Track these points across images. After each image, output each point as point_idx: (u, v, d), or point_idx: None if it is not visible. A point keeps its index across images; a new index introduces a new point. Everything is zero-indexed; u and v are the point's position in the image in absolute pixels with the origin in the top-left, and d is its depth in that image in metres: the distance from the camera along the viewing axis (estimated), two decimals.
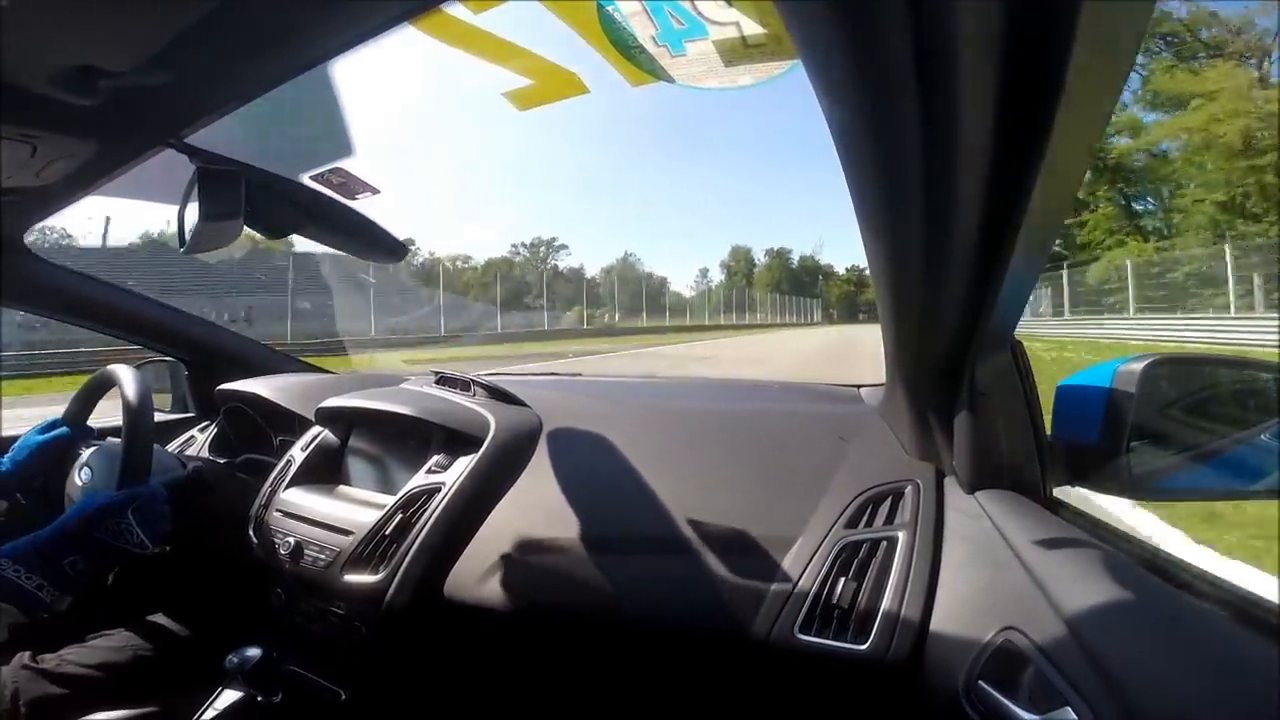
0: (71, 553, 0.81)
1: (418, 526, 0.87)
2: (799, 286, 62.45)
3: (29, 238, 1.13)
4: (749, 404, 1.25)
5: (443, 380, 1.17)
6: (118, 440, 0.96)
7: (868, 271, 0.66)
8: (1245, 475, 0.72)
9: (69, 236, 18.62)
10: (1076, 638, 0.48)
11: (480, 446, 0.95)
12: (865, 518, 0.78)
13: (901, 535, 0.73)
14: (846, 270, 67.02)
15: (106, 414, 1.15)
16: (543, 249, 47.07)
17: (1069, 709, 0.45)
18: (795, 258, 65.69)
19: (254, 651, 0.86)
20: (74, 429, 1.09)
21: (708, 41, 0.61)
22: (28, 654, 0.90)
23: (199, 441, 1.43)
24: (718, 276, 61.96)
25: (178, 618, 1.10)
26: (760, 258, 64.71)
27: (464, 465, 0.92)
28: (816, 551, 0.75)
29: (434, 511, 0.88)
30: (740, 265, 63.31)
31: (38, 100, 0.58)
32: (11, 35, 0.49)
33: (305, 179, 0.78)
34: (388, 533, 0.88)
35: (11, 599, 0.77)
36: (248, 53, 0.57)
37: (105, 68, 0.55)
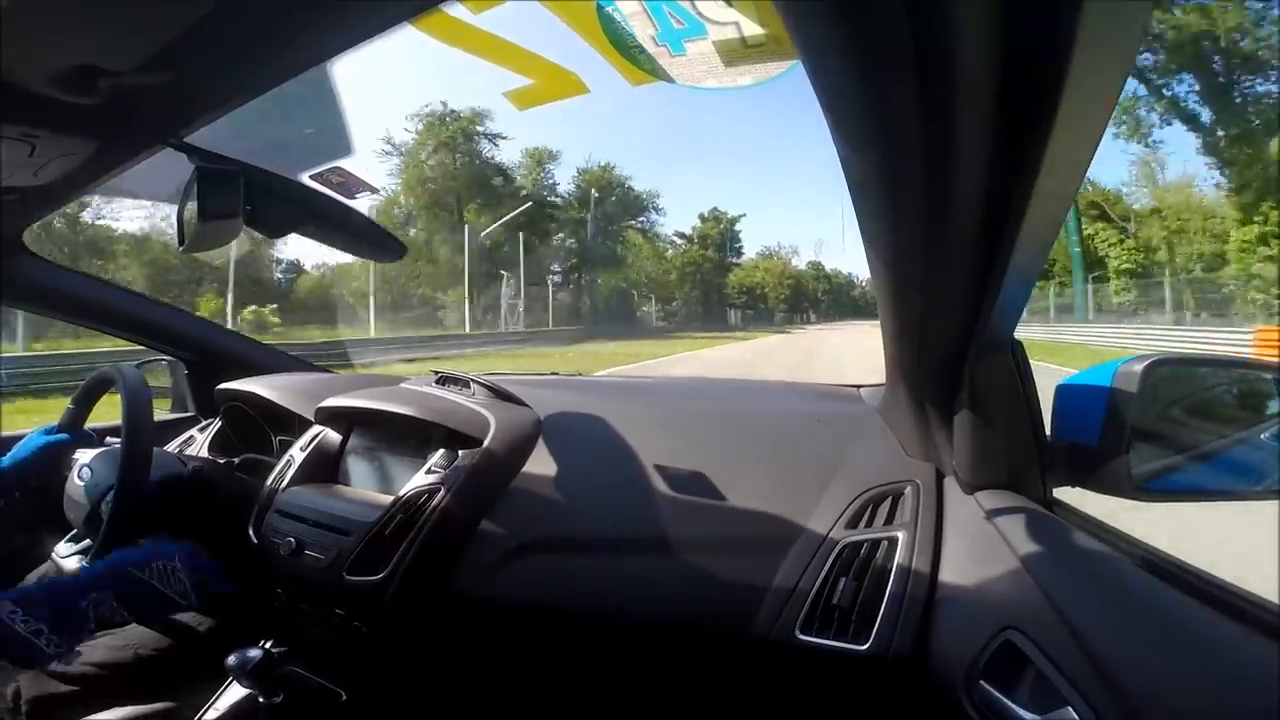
0: (97, 589, 0.72)
1: (418, 527, 0.87)
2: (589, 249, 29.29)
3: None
4: (749, 404, 1.25)
5: (443, 380, 1.17)
6: (118, 440, 0.96)
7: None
8: (1246, 475, 0.72)
9: None
10: (1077, 637, 0.48)
11: (480, 446, 0.94)
12: (865, 518, 0.78)
13: (901, 535, 0.73)
14: (702, 221, 34.14)
15: (108, 416, 1.15)
16: None
17: (1070, 709, 0.45)
18: (561, 169, 30.44)
19: (255, 652, 0.86)
20: (72, 432, 1.09)
21: (707, 41, 0.61)
22: None
23: (199, 441, 1.43)
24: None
25: (179, 617, 1.10)
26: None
27: (464, 465, 0.92)
28: (817, 551, 0.75)
29: (434, 511, 0.88)
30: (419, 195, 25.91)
31: (37, 99, 0.58)
32: (12, 34, 0.49)
33: (304, 178, 0.78)
34: (388, 533, 0.88)
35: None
36: (247, 52, 0.57)
37: (105, 67, 0.55)
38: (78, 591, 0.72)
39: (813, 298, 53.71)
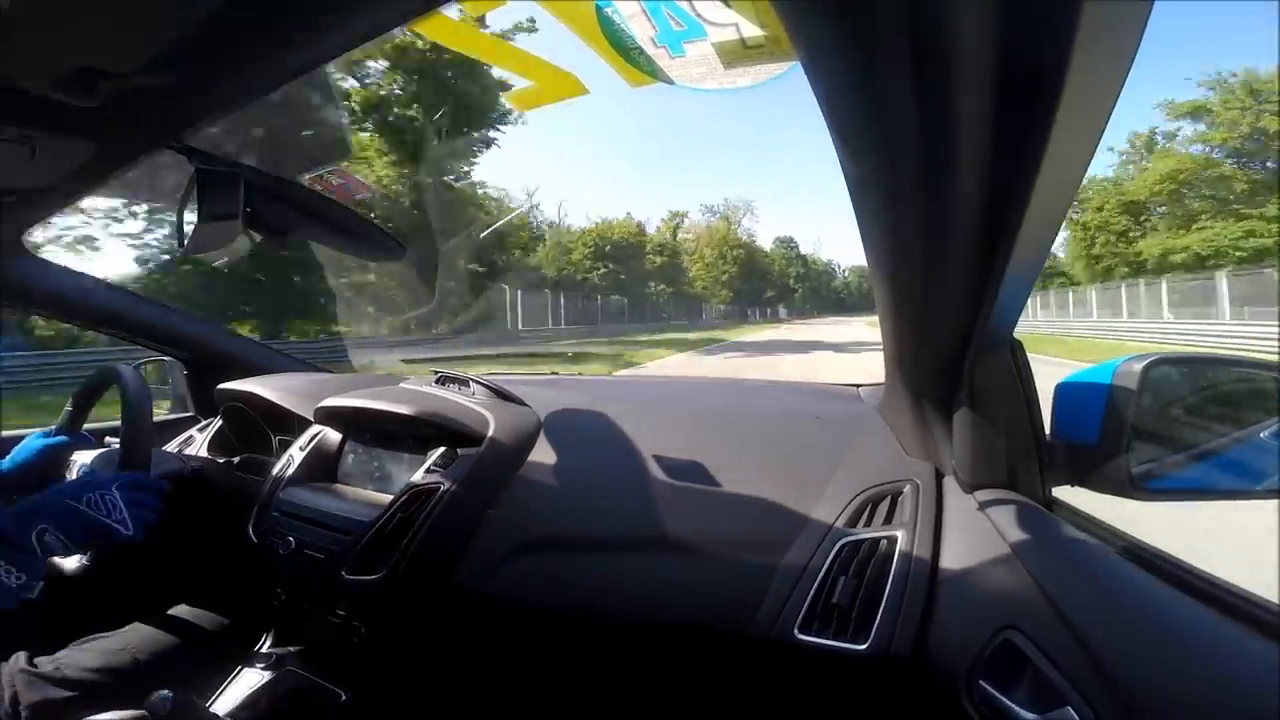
0: (41, 521, 0.73)
1: (417, 526, 0.87)
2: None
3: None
4: (749, 403, 1.25)
5: (442, 379, 1.17)
6: (118, 440, 0.96)
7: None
8: (1246, 475, 0.71)
9: None
10: (1076, 637, 0.48)
11: (479, 445, 0.95)
12: (865, 517, 0.78)
13: (901, 534, 0.73)
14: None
15: (108, 416, 1.15)
16: None
17: (1069, 708, 0.45)
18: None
19: (165, 692, 0.78)
20: (71, 434, 1.09)
21: (707, 43, 0.61)
22: (24, 656, 0.90)
23: (198, 441, 1.43)
24: None
25: (177, 619, 1.10)
26: None
27: (463, 464, 0.93)
28: (816, 551, 0.76)
29: (433, 510, 0.88)
30: None
31: (37, 101, 0.58)
32: (12, 36, 0.49)
33: (304, 180, 0.78)
34: (387, 532, 0.88)
35: None
36: (247, 55, 0.57)
37: (106, 69, 0.55)
38: (21, 523, 0.73)
39: (778, 284, 41.47)
